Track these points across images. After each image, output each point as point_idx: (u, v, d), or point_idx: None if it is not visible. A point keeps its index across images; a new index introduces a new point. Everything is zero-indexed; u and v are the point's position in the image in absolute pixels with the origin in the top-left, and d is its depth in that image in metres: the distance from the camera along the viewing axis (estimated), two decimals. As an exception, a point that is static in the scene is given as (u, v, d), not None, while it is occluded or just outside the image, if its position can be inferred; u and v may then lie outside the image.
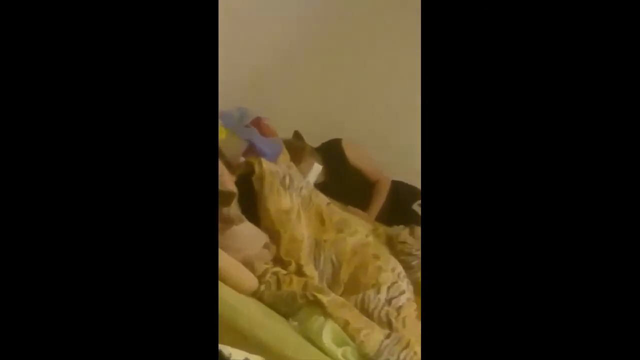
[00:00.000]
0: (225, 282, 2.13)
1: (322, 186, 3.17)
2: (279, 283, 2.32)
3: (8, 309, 0.86)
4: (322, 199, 2.77)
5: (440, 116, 0.88)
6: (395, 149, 3.67)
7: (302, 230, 2.50)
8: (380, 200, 3.57)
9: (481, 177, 0.88)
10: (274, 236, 2.46)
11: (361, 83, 3.74)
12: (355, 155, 3.56)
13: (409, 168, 3.05)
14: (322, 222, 2.62)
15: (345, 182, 3.50)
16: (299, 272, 2.42)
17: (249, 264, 2.32)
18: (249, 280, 2.30)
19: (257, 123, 2.85)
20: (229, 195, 2.28)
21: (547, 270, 0.86)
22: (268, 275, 2.34)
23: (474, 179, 0.87)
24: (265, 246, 2.43)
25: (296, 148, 3.20)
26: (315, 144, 3.56)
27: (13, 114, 0.86)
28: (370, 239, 2.68)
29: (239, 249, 2.32)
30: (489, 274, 0.86)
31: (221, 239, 2.21)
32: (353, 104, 3.76)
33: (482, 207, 0.88)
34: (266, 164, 2.54)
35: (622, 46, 0.84)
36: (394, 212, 3.50)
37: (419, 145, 0.98)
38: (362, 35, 3.69)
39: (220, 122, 2.55)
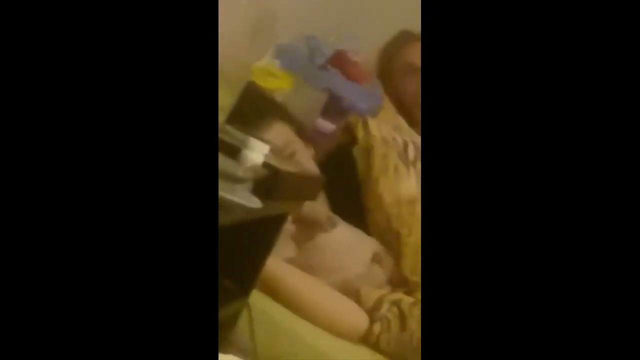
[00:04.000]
0: (315, 322, 1.78)
1: None
2: (403, 319, 1.88)
3: (5, 309, 0.93)
4: None
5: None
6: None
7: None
8: None
9: (482, 177, 0.98)
10: (392, 243, 2.05)
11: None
12: None
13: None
14: None
15: None
16: (435, 299, 2.07)
17: (352, 291, 1.91)
18: (354, 317, 1.88)
19: (340, 60, 2.18)
20: (312, 183, 1.76)
21: (549, 270, 0.95)
22: (384, 307, 1.89)
23: (474, 180, 0.98)
24: (376, 259, 2.00)
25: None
26: None
27: (5, 108, 0.95)
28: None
29: (334, 268, 1.93)
30: (490, 274, 0.97)
31: (304, 255, 1.87)
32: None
33: (484, 207, 0.97)
34: (375, 127, 2.08)
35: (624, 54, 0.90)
36: None
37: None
38: None
39: (278, 62, 2.05)
